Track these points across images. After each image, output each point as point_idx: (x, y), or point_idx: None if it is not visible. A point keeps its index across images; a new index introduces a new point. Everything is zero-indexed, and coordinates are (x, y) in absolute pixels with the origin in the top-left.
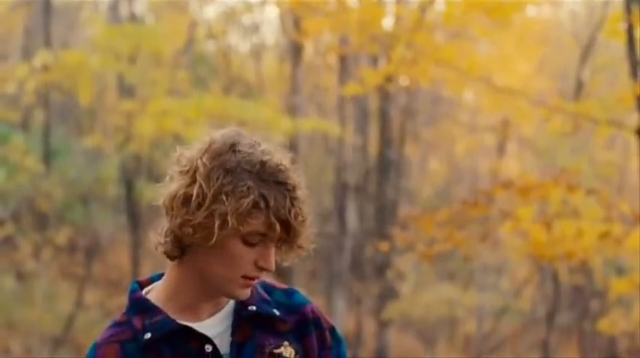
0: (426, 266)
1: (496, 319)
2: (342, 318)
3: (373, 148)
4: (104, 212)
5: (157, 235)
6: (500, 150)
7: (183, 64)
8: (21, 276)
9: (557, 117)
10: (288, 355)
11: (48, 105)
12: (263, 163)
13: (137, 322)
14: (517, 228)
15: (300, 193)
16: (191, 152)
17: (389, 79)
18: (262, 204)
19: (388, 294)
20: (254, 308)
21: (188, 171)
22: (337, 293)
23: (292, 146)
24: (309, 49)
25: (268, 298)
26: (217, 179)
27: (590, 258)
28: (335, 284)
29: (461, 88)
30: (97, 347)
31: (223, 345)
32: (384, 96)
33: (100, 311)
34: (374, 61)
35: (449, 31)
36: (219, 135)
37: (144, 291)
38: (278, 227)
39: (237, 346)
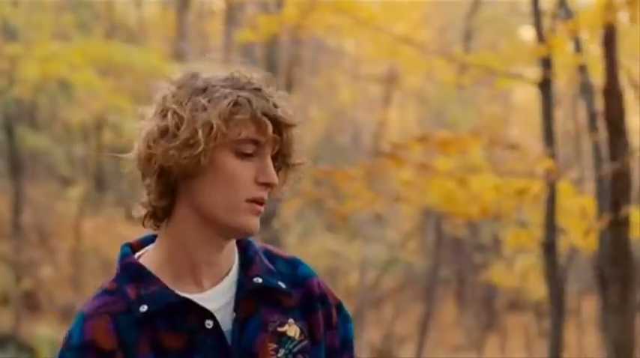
0: (312, 216)
1: (380, 271)
2: None
3: None
4: None
5: (139, 205)
6: (386, 100)
7: (67, 8)
8: None
9: (451, 69)
10: (292, 334)
11: None
12: (233, 76)
13: (131, 291)
14: (427, 183)
15: (281, 98)
16: (153, 101)
17: (283, 26)
18: (244, 102)
19: (272, 244)
20: (260, 280)
21: (156, 111)
22: None
23: None
24: None
25: (273, 268)
26: (189, 99)
27: (506, 213)
28: None
29: (352, 36)
30: (84, 318)
31: (225, 321)
32: (272, 43)
33: None
34: (263, 8)
35: None
36: (178, 74)
37: (136, 255)
38: (269, 125)
39: (240, 322)
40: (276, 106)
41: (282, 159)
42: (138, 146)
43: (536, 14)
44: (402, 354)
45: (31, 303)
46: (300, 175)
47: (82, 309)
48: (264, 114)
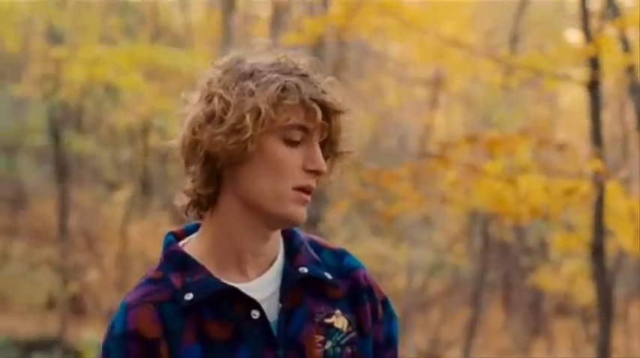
0: (358, 220)
1: (427, 275)
2: None
3: None
4: (30, 162)
5: (182, 194)
6: (433, 104)
7: (113, 12)
8: None
9: (498, 71)
10: (340, 326)
11: None
12: (279, 61)
13: (176, 280)
14: (475, 184)
15: (329, 84)
16: (197, 86)
17: (330, 28)
18: (293, 87)
19: None
20: (305, 270)
21: (201, 96)
22: None
23: None
24: None
25: (318, 258)
26: (236, 84)
27: (554, 214)
28: None
29: (398, 39)
30: (127, 307)
31: (271, 311)
32: (318, 46)
33: (26, 263)
34: (309, 10)
35: None
36: (223, 59)
37: (180, 244)
38: (318, 111)
39: (286, 313)
40: (324, 92)
41: (329, 147)
42: (182, 132)
43: (584, 13)
44: None
45: (77, 307)
46: (347, 164)
47: (125, 299)
48: (313, 99)
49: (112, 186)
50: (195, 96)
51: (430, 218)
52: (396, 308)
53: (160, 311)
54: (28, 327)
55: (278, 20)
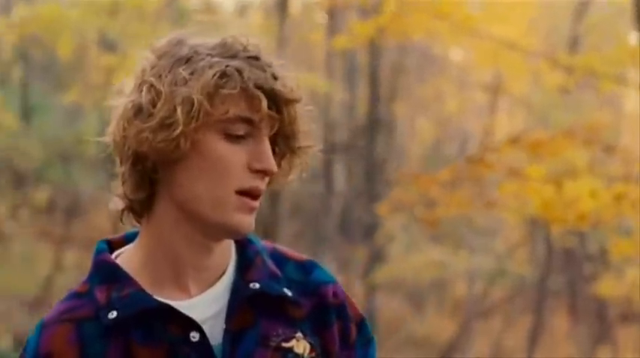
0: (417, 227)
1: (488, 282)
2: None
3: (362, 106)
4: (85, 171)
5: (115, 198)
6: (492, 108)
7: (167, 19)
8: None
9: (556, 73)
10: (301, 351)
11: (27, 61)
12: (225, 42)
13: (100, 295)
14: (523, 188)
15: (282, 68)
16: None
17: (380, 31)
18: (233, 73)
19: (377, 257)
20: (257, 285)
21: (134, 86)
22: (324, 256)
23: None
24: (296, 3)
25: (278, 272)
26: (170, 70)
27: (604, 221)
28: (321, 247)
29: (454, 42)
30: (43, 326)
31: (215, 333)
32: (374, 52)
33: (80, 272)
34: (364, 15)
35: None
36: (161, 41)
37: (114, 255)
38: (263, 100)
39: (232, 336)
40: (274, 78)
41: (283, 142)
42: (112, 127)
43: (638, 13)
44: None
45: None
46: (307, 161)
47: (45, 316)
48: (258, 86)
49: None
50: (129, 85)
51: (489, 225)
52: (457, 316)
53: (80, 331)
54: None
55: (334, 26)
